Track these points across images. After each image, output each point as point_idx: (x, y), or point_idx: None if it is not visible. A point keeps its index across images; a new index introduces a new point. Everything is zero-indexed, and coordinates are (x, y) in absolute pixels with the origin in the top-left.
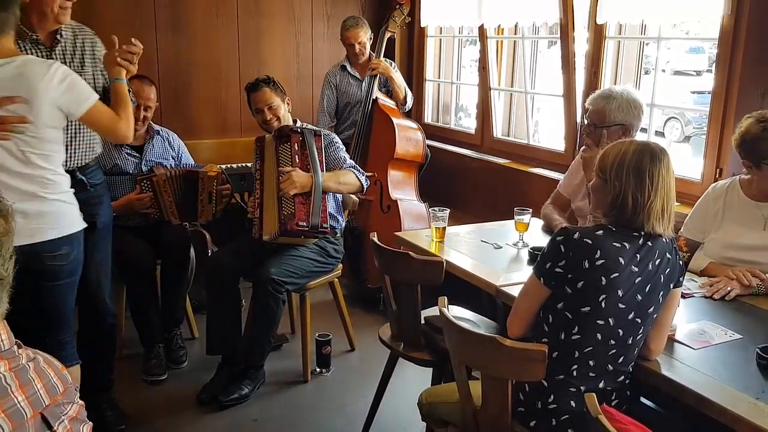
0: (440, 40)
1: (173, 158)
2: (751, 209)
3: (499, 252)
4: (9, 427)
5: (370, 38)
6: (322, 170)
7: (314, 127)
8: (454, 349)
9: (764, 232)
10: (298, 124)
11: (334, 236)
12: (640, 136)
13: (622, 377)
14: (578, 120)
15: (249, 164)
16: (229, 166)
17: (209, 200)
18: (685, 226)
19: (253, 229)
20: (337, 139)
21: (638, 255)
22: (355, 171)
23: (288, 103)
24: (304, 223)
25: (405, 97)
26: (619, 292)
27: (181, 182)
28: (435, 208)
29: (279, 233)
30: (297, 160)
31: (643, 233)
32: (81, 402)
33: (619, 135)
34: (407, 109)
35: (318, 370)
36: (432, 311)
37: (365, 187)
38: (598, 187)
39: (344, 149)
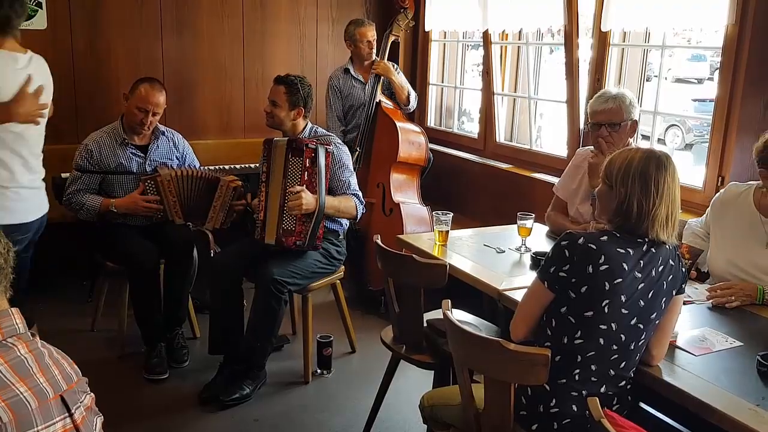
0: (444, 44)
1: (177, 159)
2: (756, 224)
3: (502, 256)
4: (36, 403)
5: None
6: (326, 191)
7: (326, 132)
8: (457, 351)
9: (766, 251)
10: (309, 126)
11: (336, 238)
12: (643, 144)
13: (624, 382)
14: (581, 126)
15: (252, 165)
16: (232, 167)
17: (222, 209)
18: (687, 227)
19: (256, 231)
20: (346, 157)
21: (642, 261)
22: (356, 200)
23: (298, 114)
24: (301, 242)
25: (408, 97)
26: (623, 298)
27: (193, 183)
28: (439, 212)
29: (275, 244)
30: (305, 177)
31: (647, 240)
32: (93, 395)
33: (631, 129)
34: (411, 110)
35: (319, 371)
36: (434, 314)
37: (359, 217)
38: (604, 193)
39: (351, 167)
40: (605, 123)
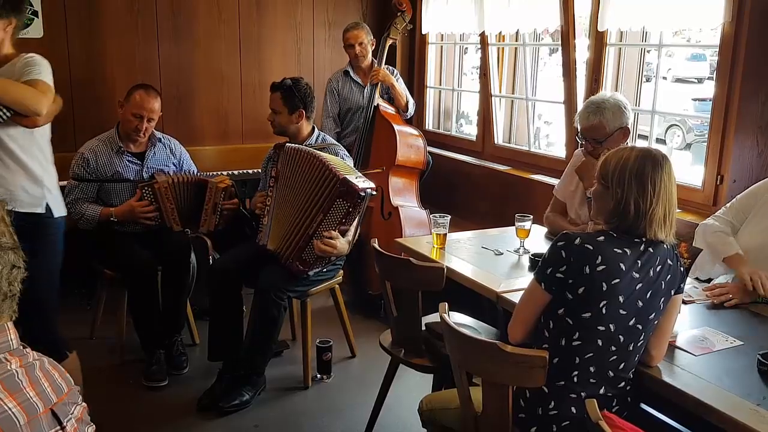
0: (441, 47)
1: (174, 165)
2: None
3: (500, 258)
4: (24, 419)
5: (372, 42)
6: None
7: (333, 141)
8: (455, 354)
9: None
10: (317, 134)
11: None
12: (640, 143)
13: (623, 383)
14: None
15: (251, 171)
16: (230, 172)
17: (214, 211)
18: (731, 206)
19: (259, 235)
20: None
21: (639, 261)
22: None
23: (300, 117)
24: (311, 274)
25: (407, 104)
26: (620, 298)
27: (186, 189)
28: (436, 215)
29: (282, 261)
30: (344, 221)
31: (644, 240)
32: (84, 404)
33: (620, 137)
34: (409, 116)
35: (319, 376)
36: (432, 317)
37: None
38: (600, 194)
39: None
40: (589, 139)
